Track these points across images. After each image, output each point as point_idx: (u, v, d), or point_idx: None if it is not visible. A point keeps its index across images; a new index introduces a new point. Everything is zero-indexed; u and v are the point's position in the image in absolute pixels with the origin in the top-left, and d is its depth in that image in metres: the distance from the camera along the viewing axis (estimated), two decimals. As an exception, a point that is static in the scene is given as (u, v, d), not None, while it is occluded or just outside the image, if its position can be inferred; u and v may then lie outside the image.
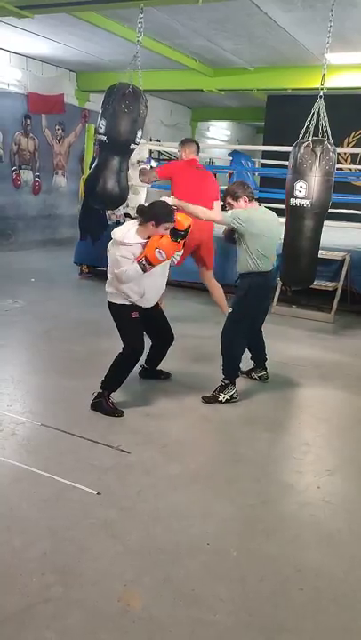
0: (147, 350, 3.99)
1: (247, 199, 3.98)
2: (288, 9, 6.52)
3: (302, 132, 4.44)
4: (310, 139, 4.37)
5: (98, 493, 2.78)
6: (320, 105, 4.44)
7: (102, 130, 4.81)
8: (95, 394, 3.73)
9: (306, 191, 4.34)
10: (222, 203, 4.25)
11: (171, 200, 4.10)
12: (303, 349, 5.36)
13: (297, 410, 4.19)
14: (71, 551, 2.38)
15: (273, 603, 2.17)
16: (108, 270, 3.76)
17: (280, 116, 11.21)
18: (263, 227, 3.95)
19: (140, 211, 3.73)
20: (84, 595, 2.14)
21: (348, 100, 9.96)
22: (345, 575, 2.35)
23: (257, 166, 11.41)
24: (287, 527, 2.65)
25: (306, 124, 4.45)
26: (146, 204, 3.81)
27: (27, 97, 10.15)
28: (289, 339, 5.65)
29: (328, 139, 4.39)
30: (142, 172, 6.07)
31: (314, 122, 4.44)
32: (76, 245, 8.27)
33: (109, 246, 3.75)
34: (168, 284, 4.09)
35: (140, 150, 8.06)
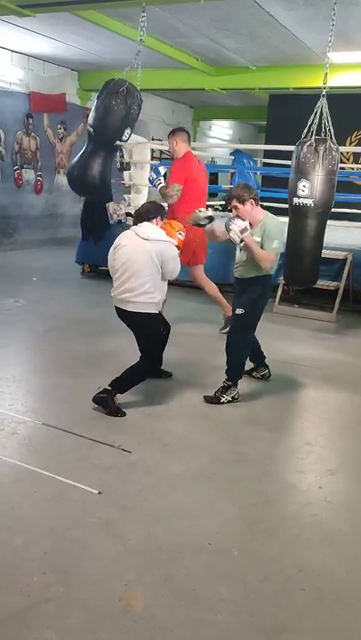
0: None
1: (253, 202, 3.95)
2: (290, 7, 6.52)
3: (305, 132, 4.44)
4: (313, 138, 4.36)
5: (99, 493, 2.78)
6: (323, 104, 4.43)
7: (91, 121, 4.83)
8: (100, 388, 3.71)
9: (309, 190, 4.33)
10: (226, 205, 4.21)
11: (208, 212, 4.05)
12: (305, 349, 5.34)
13: (299, 409, 4.18)
14: (72, 551, 2.37)
15: (275, 603, 2.16)
16: (135, 280, 3.63)
17: (282, 116, 11.21)
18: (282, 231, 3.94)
19: (146, 211, 3.83)
20: (85, 594, 2.14)
21: (350, 99, 9.94)
22: (347, 575, 2.34)
23: (259, 165, 11.42)
24: (289, 527, 2.64)
25: (308, 123, 4.44)
26: (141, 207, 3.92)
27: (28, 96, 10.18)
28: (291, 338, 5.63)
29: (331, 138, 4.38)
30: (164, 194, 5.13)
31: (316, 121, 4.44)
32: (78, 245, 8.27)
33: (139, 252, 3.65)
34: (168, 283, 4.09)
35: (141, 150, 8.08)
